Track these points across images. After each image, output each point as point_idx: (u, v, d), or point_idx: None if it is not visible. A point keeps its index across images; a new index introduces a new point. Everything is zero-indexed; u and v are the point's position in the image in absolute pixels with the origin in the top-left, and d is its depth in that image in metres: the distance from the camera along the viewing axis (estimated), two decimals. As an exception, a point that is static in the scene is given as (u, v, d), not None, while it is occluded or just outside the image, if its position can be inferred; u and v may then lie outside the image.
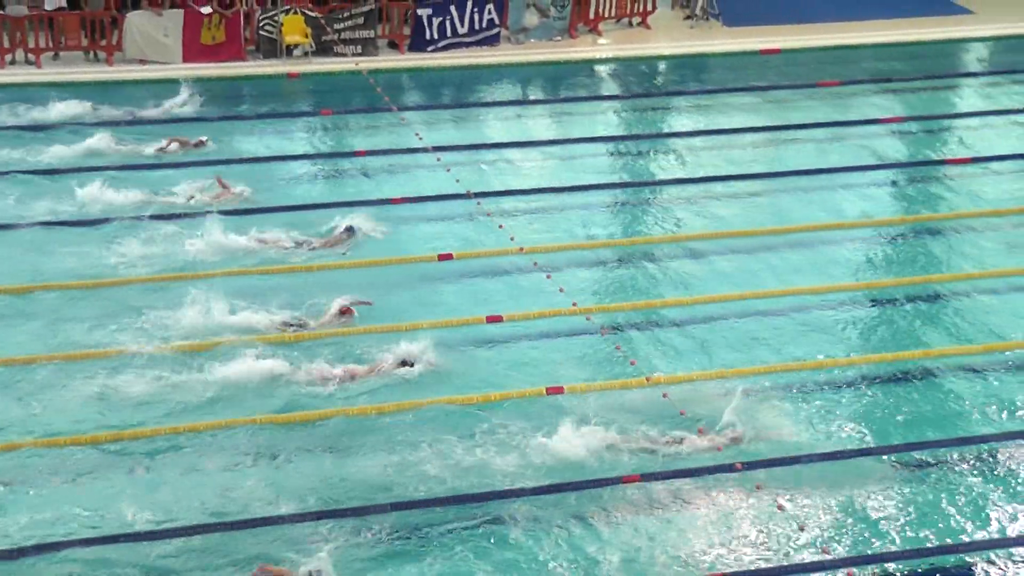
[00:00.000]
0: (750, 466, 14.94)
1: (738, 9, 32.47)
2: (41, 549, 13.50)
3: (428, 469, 14.82)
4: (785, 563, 13.66)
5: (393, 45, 29.98)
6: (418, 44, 29.83)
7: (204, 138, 24.06)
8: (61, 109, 25.28)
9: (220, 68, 28.33)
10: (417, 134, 25.05)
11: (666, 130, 26.59)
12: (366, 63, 28.94)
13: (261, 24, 28.80)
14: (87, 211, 21.06)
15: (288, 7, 29.05)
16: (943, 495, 14.74)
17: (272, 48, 28.86)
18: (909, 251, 20.86)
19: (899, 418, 16.20)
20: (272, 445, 15.33)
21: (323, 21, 28.95)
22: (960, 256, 20.47)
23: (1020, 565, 13.73)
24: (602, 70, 30.03)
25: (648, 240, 21.04)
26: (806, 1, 32.99)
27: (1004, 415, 16.26)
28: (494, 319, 18.15)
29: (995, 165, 23.92)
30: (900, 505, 14.56)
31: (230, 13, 28.62)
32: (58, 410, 15.91)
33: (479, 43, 30.19)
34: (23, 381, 16.49)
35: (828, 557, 13.73)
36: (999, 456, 15.44)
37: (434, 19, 29.79)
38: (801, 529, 14.11)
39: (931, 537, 14.10)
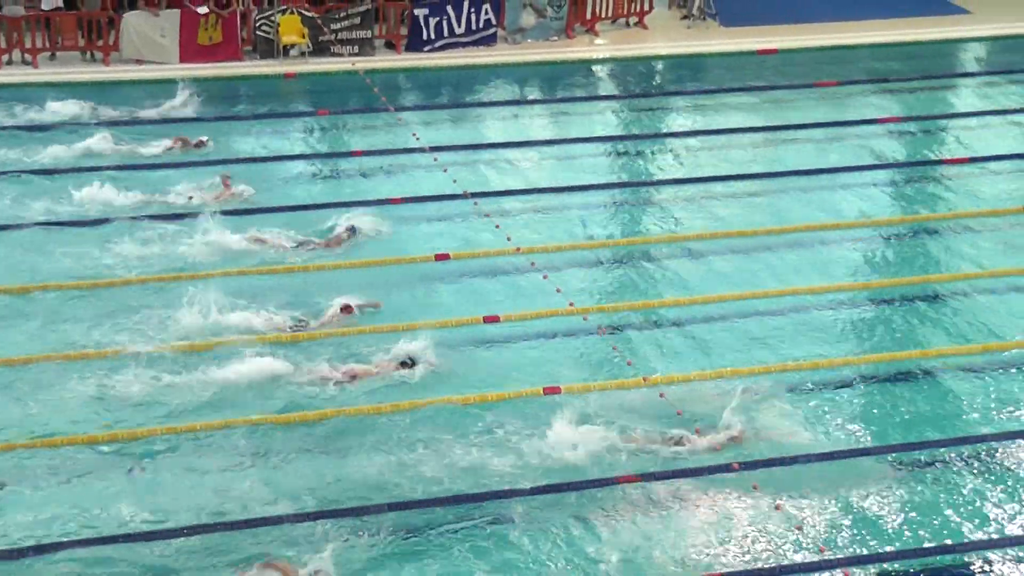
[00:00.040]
0: (747, 466, 14.95)
1: (735, 9, 32.45)
2: (39, 550, 13.49)
3: (425, 469, 14.82)
4: (782, 563, 13.66)
5: (390, 45, 29.96)
6: (415, 44, 29.81)
7: (205, 138, 24.06)
8: (58, 109, 25.23)
9: (217, 68, 28.30)
10: (414, 134, 25.05)
11: (663, 130, 26.58)
12: (363, 63, 28.93)
13: (258, 24, 28.79)
14: (85, 211, 21.03)
15: (285, 7, 29.02)
16: (941, 495, 14.75)
17: (269, 48, 28.84)
18: (907, 251, 20.88)
19: (897, 418, 16.21)
20: (270, 445, 15.32)
21: (320, 21, 28.93)
22: (958, 256, 20.47)
23: (1018, 565, 13.74)
24: (599, 70, 30.02)
25: (645, 240, 21.04)
26: (803, 1, 32.98)
27: (1002, 415, 16.27)
28: (491, 319, 18.15)
29: (993, 165, 23.94)
30: (898, 505, 14.57)
31: (227, 13, 28.59)
32: (56, 410, 15.89)
33: (476, 43, 30.18)
34: (21, 381, 16.47)
35: (825, 557, 13.74)
36: (997, 456, 15.45)
37: (431, 19, 29.77)
38: (798, 529, 14.11)
39: (929, 537, 14.11)
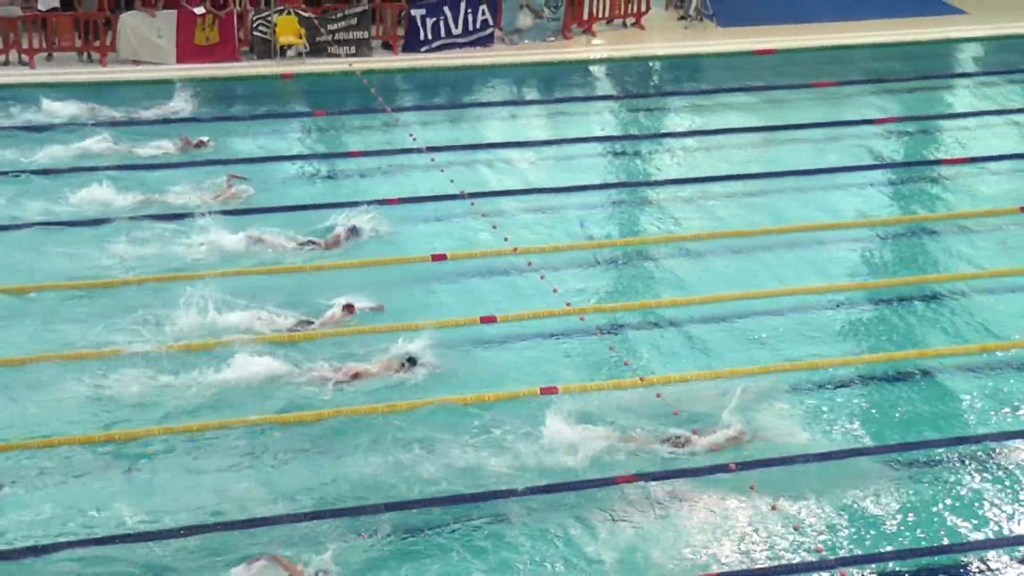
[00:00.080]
0: (745, 466, 14.94)
1: (732, 9, 32.47)
2: (37, 550, 13.48)
3: (423, 469, 14.82)
4: (780, 563, 13.66)
5: (387, 46, 29.95)
6: (412, 45, 29.81)
7: (205, 138, 24.06)
8: (55, 110, 25.22)
9: (214, 69, 28.28)
10: (411, 134, 25.04)
11: (661, 130, 26.59)
12: (360, 64, 28.92)
13: (255, 25, 28.78)
14: (84, 211, 21.01)
15: (282, 8, 29.01)
16: (939, 495, 14.75)
17: (266, 49, 28.84)
18: (905, 251, 20.88)
19: (895, 418, 16.21)
20: (268, 445, 15.31)
21: (317, 22, 28.92)
22: (956, 256, 20.47)
23: (1017, 565, 13.74)
24: (596, 71, 30.03)
25: (642, 240, 21.04)
26: (800, 1, 32.99)
27: (1001, 415, 16.28)
28: (488, 319, 18.14)
29: (991, 165, 23.95)
30: (895, 505, 14.57)
31: (224, 14, 28.59)
32: (54, 410, 15.88)
33: (473, 44, 30.17)
34: (19, 381, 16.46)
35: (823, 557, 13.73)
36: (995, 456, 15.45)
37: (428, 20, 29.76)
38: (796, 529, 14.11)
39: (926, 537, 14.11)
